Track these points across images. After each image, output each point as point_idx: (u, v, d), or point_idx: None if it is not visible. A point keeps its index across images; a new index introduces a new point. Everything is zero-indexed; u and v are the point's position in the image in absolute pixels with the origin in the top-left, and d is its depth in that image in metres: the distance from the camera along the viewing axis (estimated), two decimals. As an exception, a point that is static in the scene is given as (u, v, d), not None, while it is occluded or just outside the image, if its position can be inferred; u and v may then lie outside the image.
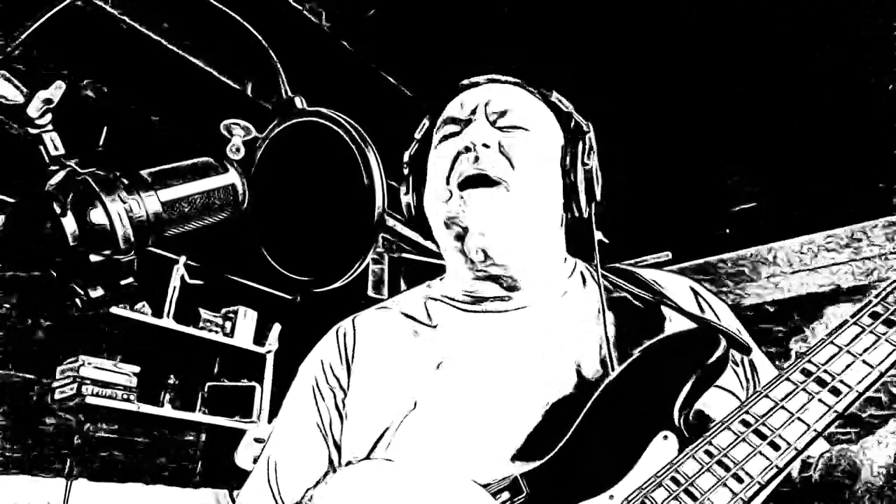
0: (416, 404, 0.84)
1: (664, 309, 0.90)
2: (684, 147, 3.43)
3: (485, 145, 0.90)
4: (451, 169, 0.92)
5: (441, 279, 1.04)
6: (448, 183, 0.92)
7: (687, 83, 2.98)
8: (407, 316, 0.98)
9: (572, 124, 0.98)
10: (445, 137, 0.97)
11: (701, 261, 4.18)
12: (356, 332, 0.98)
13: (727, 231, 4.01)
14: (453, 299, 0.97)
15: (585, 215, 0.95)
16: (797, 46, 2.74)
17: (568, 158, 0.95)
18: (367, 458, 0.82)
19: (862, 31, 2.62)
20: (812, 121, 3.15)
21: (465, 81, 1.02)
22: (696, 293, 0.97)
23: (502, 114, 0.94)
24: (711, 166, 3.57)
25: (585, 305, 0.92)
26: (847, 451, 0.76)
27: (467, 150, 0.91)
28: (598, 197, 0.96)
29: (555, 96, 1.00)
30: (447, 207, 0.91)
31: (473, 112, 0.95)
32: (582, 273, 0.99)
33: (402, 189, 1.02)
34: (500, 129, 0.93)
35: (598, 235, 0.97)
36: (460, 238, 0.91)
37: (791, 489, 0.79)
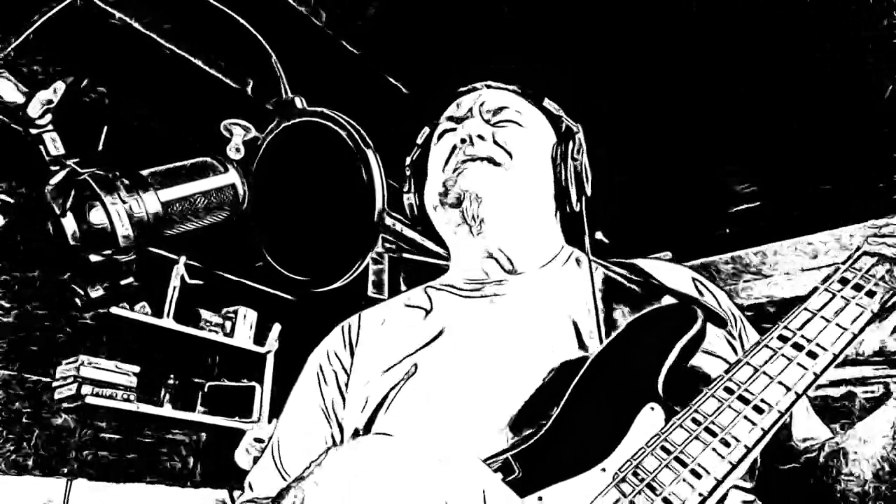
0: (413, 374, 0.87)
1: (659, 294, 0.92)
2: (684, 147, 3.43)
3: (480, 137, 0.96)
4: (448, 160, 0.98)
5: (445, 274, 1.08)
6: (445, 171, 0.98)
7: (687, 83, 2.98)
8: (409, 305, 1.02)
9: (563, 127, 1.04)
10: (443, 134, 1.03)
11: (701, 261, 4.18)
12: (360, 322, 1.03)
13: (727, 231, 4.01)
14: (454, 287, 1.01)
15: (577, 209, 0.99)
16: (797, 46, 2.74)
17: (559, 155, 1.00)
18: (367, 430, 0.85)
19: (862, 31, 2.61)
20: (812, 121, 3.15)
21: (462, 89, 1.08)
22: (695, 281, 0.99)
23: (497, 111, 1.00)
24: (711, 166, 3.57)
25: (579, 289, 0.95)
26: (842, 441, 0.78)
27: (463, 141, 0.96)
28: (588, 192, 1.00)
29: (546, 102, 1.06)
30: (443, 178, 0.97)
31: (470, 111, 1.01)
32: (578, 259, 1.03)
33: (405, 189, 1.08)
34: (494, 124, 0.99)
35: (597, 235, 0.99)
36: (457, 205, 0.94)
37: (797, 474, 0.81)
